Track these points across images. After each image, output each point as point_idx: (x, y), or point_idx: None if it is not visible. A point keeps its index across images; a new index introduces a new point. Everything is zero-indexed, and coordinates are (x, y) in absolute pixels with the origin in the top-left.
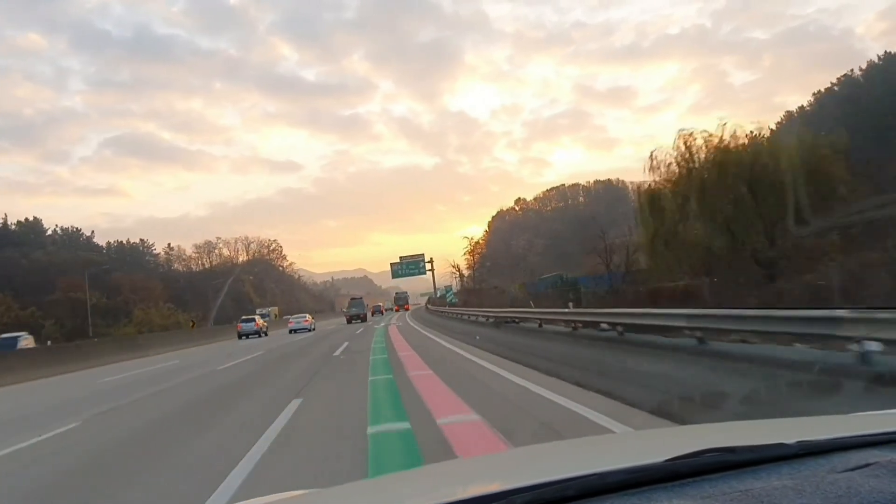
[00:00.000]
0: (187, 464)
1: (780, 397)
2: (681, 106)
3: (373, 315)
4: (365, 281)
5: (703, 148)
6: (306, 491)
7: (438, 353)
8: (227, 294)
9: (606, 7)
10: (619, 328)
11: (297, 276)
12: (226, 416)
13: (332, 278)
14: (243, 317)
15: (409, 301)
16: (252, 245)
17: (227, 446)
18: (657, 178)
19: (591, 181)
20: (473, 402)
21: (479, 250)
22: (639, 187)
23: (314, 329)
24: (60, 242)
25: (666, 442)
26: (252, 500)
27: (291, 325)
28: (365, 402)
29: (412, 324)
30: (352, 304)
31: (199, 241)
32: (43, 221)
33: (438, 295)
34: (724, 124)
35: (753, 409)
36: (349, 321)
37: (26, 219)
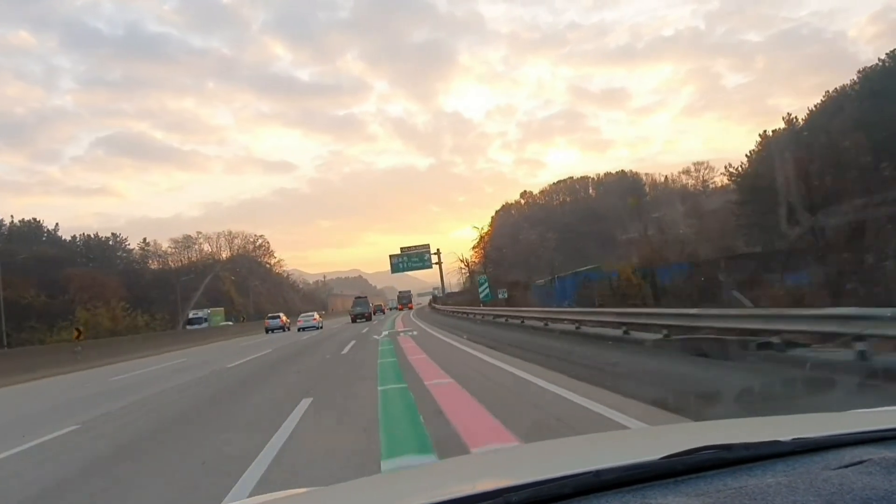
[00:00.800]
0: None
1: None
2: (674, 108)
3: (374, 314)
4: (359, 281)
5: None
6: (307, 489)
7: None
8: (205, 293)
9: (601, 8)
10: None
11: (285, 275)
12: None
13: (325, 277)
14: (269, 314)
15: (400, 302)
16: (236, 241)
17: None
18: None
19: (602, 173)
20: None
21: (483, 245)
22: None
23: (321, 327)
24: (17, 236)
25: (662, 439)
26: (255, 497)
27: (301, 324)
28: None
29: (435, 333)
30: (356, 302)
31: (178, 235)
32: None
33: (445, 292)
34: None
35: None
36: (354, 320)
37: None
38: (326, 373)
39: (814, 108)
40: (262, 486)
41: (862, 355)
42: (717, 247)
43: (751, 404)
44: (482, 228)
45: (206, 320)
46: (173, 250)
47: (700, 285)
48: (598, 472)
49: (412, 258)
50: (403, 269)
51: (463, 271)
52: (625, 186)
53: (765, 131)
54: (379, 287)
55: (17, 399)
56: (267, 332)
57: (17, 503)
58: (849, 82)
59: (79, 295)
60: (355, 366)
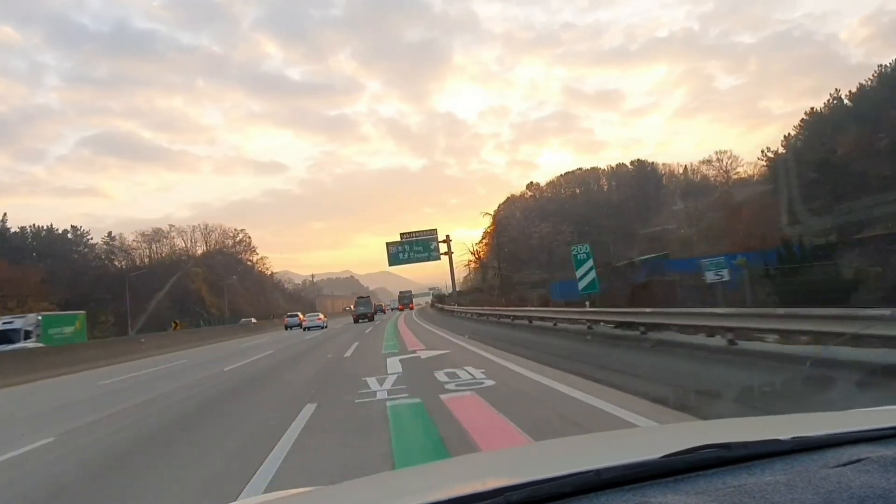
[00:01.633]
0: None
1: None
2: (667, 109)
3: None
4: (351, 281)
5: None
6: (310, 489)
7: None
8: (171, 293)
9: (595, 8)
10: None
11: (268, 272)
12: None
13: (313, 276)
14: (288, 313)
15: (401, 302)
16: (213, 235)
17: None
18: None
19: (614, 164)
20: None
21: (487, 241)
22: None
23: (326, 327)
24: None
25: (662, 438)
26: (258, 496)
27: (306, 323)
28: None
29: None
30: (359, 302)
31: (147, 229)
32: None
33: (455, 290)
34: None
35: None
36: (356, 320)
37: None
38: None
39: (865, 83)
40: None
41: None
42: (767, 237)
43: None
44: (489, 216)
45: (27, 334)
46: (138, 245)
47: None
48: (598, 471)
49: (415, 247)
50: (404, 261)
51: (472, 266)
52: (642, 177)
53: (812, 108)
54: (372, 288)
55: None
56: (286, 328)
57: None
58: None
59: None
60: None
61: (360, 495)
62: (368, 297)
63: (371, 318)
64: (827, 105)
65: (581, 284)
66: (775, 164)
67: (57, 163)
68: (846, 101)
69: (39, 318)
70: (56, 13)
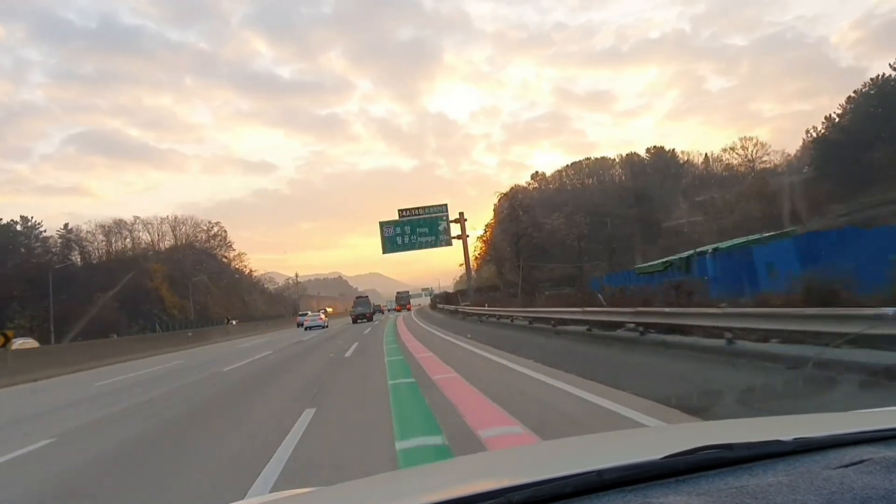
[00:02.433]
0: None
1: None
2: (659, 111)
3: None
4: (339, 282)
5: None
6: (312, 489)
7: None
8: (123, 292)
9: (587, 9)
10: None
11: (246, 271)
12: None
13: (297, 275)
14: (300, 312)
15: (398, 302)
16: (183, 227)
17: None
18: None
19: (623, 154)
20: None
21: (489, 234)
22: None
23: (327, 326)
24: None
25: (664, 439)
26: (260, 496)
27: (307, 323)
28: None
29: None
30: (357, 302)
31: (108, 220)
32: None
33: (468, 286)
34: None
35: None
36: (354, 321)
37: None
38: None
39: None
40: None
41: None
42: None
43: None
44: (503, 195)
45: None
46: (94, 238)
47: None
48: (600, 472)
49: (418, 228)
50: (403, 247)
51: (480, 260)
52: (661, 164)
53: (858, 89)
54: (361, 289)
55: None
56: (298, 326)
57: None
58: None
59: None
60: None
61: (362, 495)
62: (367, 297)
63: (370, 319)
64: (874, 82)
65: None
66: (823, 144)
67: (42, 161)
68: None
69: None
70: (41, 8)
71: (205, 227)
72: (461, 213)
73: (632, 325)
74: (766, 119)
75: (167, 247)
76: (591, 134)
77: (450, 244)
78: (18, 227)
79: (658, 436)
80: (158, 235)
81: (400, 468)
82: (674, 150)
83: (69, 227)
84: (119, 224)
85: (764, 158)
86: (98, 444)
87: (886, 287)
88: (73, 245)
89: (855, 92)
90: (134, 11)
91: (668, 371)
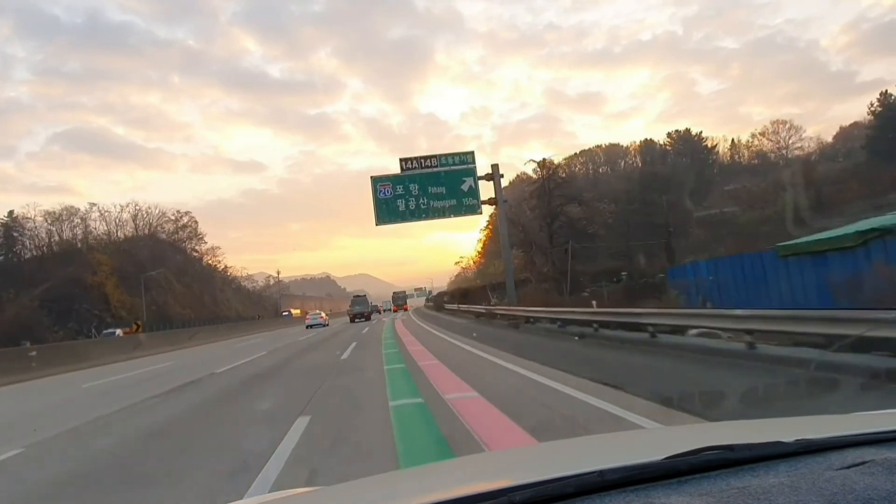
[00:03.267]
0: None
1: None
2: (650, 114)
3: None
4: (327, 282)
5: None
6: (312, 489)
7: None
8: (61, 289)
9: (580, 10)
10: None
11: (219, 267)
12: None
13: (279, 273)
14: (309, 312)
15: (395, 303)
16: (145, 217)
17: None
18: None
19: (638, 141)
20: None
21: (488, 236)
22: None
23: (328, 325)
24: None
25: (665, 440)
26: (259, 497)
27: (308, 321)
28: None
29: None
30: (355, 301)
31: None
32: None
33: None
34: None
35: None
36: (352, 320)
37: None
38: None
39: None
40: None
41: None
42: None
43: None
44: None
45: None
46: (36, 226)
47: None
48: (602, 472)
49: (431, 187)
50: (409, 215)
51: (481, 249)
52: (684, 150)
53: None
54: (349, 290)
55: None
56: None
57: None
58: None
59: None
60: None
61: (362, 495)
62: (365, 296)
63: (368, 318)
64: None
65: None
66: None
67: (27, 159)
68: None
69: None
70: (27, 4)
71: (172, 217)
72: (495, 168)
73: None
74: (756, 122)
75: (125, 236)
76: (582, 136)
77: (477, 211)
78: None
79: (660, 436)
80: (117, 225)
81: None
82: (700, 133)
83: (13, 214)
84: (69, 211)
85: (798, 145)
86: None
87: None
88: (15, 236)
89: None
90: (121, 7)
91: None
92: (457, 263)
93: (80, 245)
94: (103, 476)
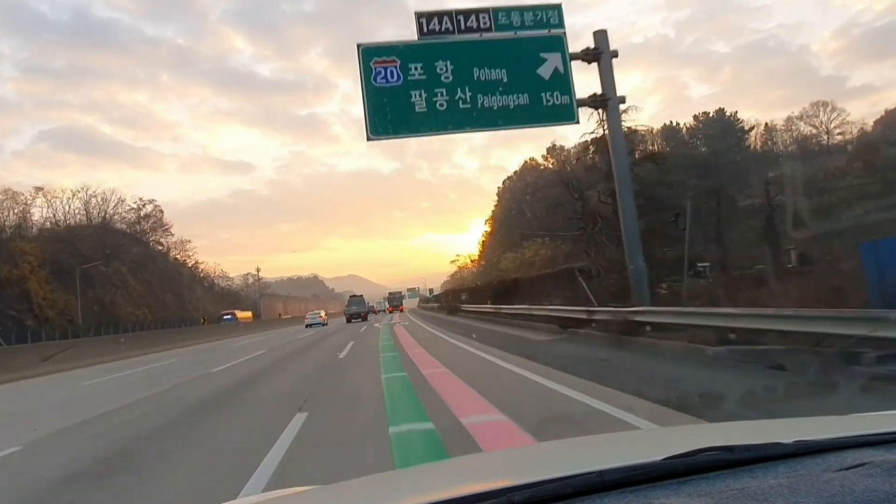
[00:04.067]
0: None
1: None
2: (641, 117)
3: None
4: (314, 282)
5: None
6: (310, 488)
7: None
8: None
9: (572, 12)
10: None
11: (188, 262)
12: None
13: (258, 270)
14: (309, 312)
15: (385, 304)
16: (99, 202)
17: None
18: None
19: (655, 127)
20: None
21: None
22: None
23: (327, 324)
24: None
25: (664, 441)
26: (257, 496)
27: (307, 321)
28: None
29: None
30: (352, 301)
31: None
32: None
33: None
34: None
35: None
36: (349, 320)
37: None
38: None
39: None
40: None
41: None
42: None
43: None
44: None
45: None
46: None
47: None
48: (601, 473)
49: (484, 66)
50: (437, 123)
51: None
52: (717, 132)
53: None
54: (337, 291)
55: None
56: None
57: None
58: None
59: None
60: None
61: (360, 494)
62: (361, 296)
63: (365, 318)
64: None
65: None
66: None
67: (12, 157)
68: None
69: None
70: None
71: (133, 205)
72: (601, 37)
73: None
74: (745, 126)
75: (71, 224)
76: (572, 139)
77: (569, 118)
78: None
79: (658, 437)
80: (66, 212)
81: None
82: (736, 112)
83: None
84: (8, 195)
85: (839, 131)
86: None
87: None
88: None
89: None
90: (108, 4)
91: None
92: (453, 262)
93: (8, 233)
94: None
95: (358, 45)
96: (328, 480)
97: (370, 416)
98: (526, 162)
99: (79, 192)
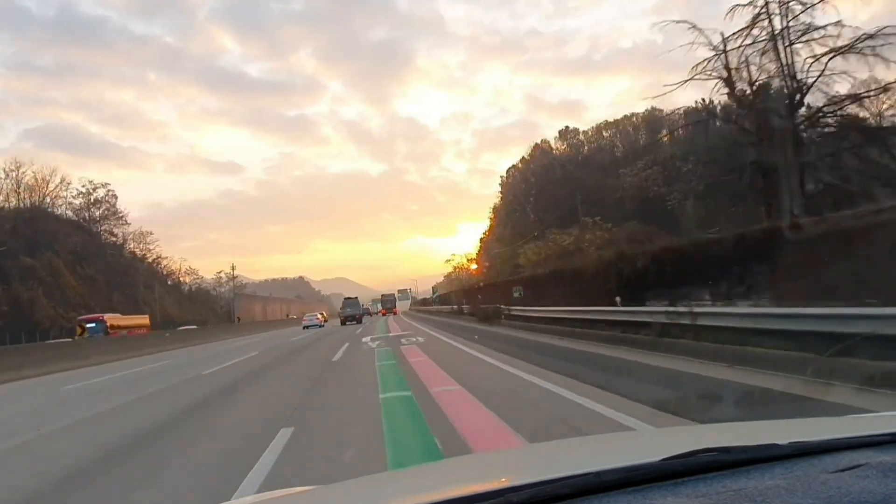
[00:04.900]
0: None
1: None
2: (630, 122)
3: (357, 321)
4: (300, 283)
5: None
6: (309, 488)
7: None
8: None
9: (562, 15)
10: None
11: (148, 257)
12: None
13: (233, 268)
14: (306, 314)
15: (377, 305)
16: (37, 183)
17: None
18: None
19: (680, 110)
20: None
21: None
22: None
23: (324, 325)
24: None
25: (662, 442)
26: (256, 496)
27: (305, 322)
28: None
29: None
30: (346, 303)
31: None
32: None
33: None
34: None
35: None
36: (343, 322)
37: None
38: None
39: None
40: None
41: None
42: None
43: None
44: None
45: None
46: None
47: None
48: (598, 473)
49: None
50: None
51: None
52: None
53: None
54: (325, 293)
55: None
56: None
57: None
58: None
59: None
60: None
61: (357, 495)
62: (356, 297)
63: (360, 321)
64: None
65: None
66: None
67: None
68: None
69: None
70: None
71: (82, 190)
72: None
73: None
74: None
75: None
76: (581, 125)
77: None
78: None
79: (656, 438)
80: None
81: None
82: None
83: None
84: None
85: (890, 113)
86: None
87: None
88: None
89: None
90: (96, 1)
91: None
92: (448, 261)
93: None
94: None
95: None
96: None
97: None
98: (536, 145)
99: (12, 171)
